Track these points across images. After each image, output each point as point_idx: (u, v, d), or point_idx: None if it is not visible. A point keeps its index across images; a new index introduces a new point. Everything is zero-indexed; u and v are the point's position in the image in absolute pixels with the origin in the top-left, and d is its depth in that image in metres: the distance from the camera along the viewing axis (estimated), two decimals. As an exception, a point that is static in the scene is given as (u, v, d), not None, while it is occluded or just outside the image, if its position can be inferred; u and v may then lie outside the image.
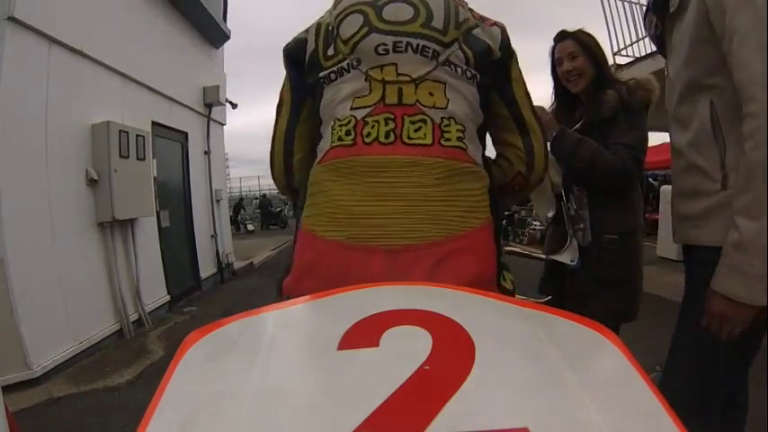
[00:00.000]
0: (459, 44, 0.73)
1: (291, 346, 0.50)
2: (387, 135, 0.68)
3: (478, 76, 0.75)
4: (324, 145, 0.75)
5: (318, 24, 0.80)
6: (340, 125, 0.72)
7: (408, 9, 0.73)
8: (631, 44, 5.65)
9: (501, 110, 0.81)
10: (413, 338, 0.46)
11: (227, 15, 6.63)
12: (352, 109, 0.71)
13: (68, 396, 2.55)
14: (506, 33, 0.80)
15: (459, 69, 0.73)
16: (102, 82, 3.70)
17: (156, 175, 4.34)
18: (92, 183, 3.53)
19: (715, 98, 0.96)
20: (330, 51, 0.76)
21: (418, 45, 0.71)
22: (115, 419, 2.21)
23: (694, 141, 1.01)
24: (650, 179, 12.07)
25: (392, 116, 0.69)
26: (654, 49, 5.24)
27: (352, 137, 0.70)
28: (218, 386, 0.44)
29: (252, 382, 0.42)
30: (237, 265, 6.87)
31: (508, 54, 0.80)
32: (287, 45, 0.85)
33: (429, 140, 0.68)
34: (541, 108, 1.46)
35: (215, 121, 6.20)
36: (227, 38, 6.46)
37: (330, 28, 0.77)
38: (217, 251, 6.22)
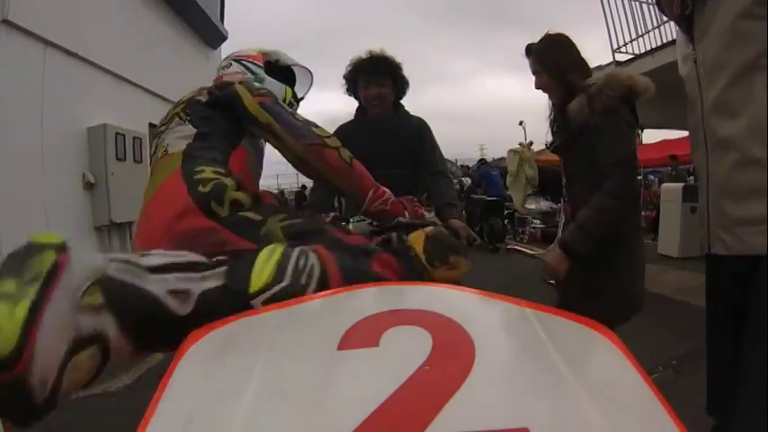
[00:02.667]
0: (178, 116, 1.05)
1: (291, 346, 0.50)
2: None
3: (198, 123, 1.03)
4: None
5: None
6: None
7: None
8: (631, 41, 5.63)
9: (257, 130, 1.05)
10: (413, 338, 0.46)
11: (225, 16, 6.63)
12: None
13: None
14: (218, 87, 1.09)
15: (181, 127, 1.02)
16: (98, 84, 3.67)
17: (153, 177, 4.30)
18: (88, 186, 3.50)
19: None
20: None
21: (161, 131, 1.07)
22: (112, 426, 2.15)
23: (751, 129, 0.87)
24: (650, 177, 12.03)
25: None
26: (654, 45, 5.24)
27: None
28: (218, 386, 0.44)
29: (252, 382, 0.42)
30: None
31: (226, 92, 1.06)
32: None
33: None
34: (550, 267, 1.37)
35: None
36: (225, 38, 6.44)
37: None
38: (217, 253, 6.18)
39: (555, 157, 1.62)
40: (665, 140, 10.43)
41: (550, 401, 0.40)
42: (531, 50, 1.46)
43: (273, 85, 1.25)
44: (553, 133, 1.53)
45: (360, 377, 0.43)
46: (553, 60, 1.41)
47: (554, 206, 7.55)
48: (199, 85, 1.16)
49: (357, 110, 1.91)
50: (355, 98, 1.88)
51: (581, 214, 1.32)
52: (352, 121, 1.92)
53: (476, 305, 0.58)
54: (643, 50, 5.41)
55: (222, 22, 6.41)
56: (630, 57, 5.60)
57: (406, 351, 0.44)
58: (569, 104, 1.34)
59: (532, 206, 8.28)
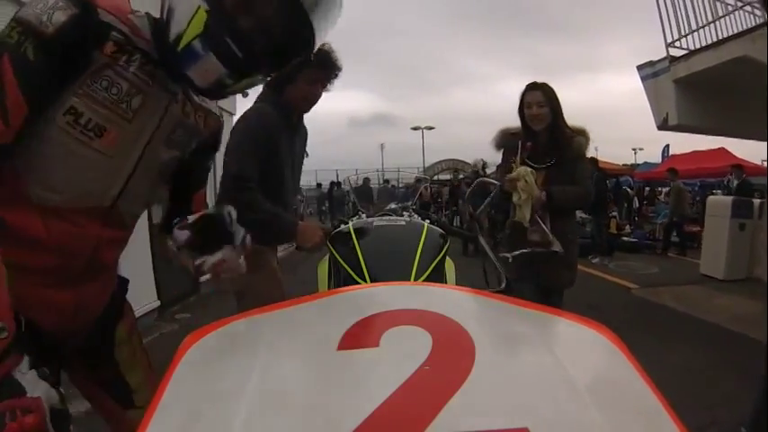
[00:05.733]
0: None
1: (291, 347, 0.50)
2: None
3: None
4: None
5: None
6: None
7: None
8: (687, 34, 5.17)
9: None
10: (413, 338, 0.46)
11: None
12: None
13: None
14: None
15: None
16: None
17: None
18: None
19: None
20: None
21: None
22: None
23: None
24: (627, 187, 10.97)
25: None
26: (714, 39, 4.81)
27: None
28: (218, 386, 0.44)
29: (252, 382, 0.42)
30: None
31: None
32: None
33: None
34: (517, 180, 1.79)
35: (222, 109, 5.98)
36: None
37: None
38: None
39: None
40: (695, 152, 9.80)
41: (550, 401, 0.40)
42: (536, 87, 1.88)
43: None
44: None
45: (360, 377, 0.43)
46: (555, 98, 1.88)
47: (583, 215, 6.95)
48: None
49: (277, 96, 1.47)
50: (272, 86, 1.45)
51: (565, 189, 1.86)
52: (266, 105, 1.47)
53: (476, 305, 0.58)
54: (699, 45, 4.99)
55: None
56: (685, 52, 5.20)
57: (406, 351, 0.44)
58: (575, 140, 1.88)
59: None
